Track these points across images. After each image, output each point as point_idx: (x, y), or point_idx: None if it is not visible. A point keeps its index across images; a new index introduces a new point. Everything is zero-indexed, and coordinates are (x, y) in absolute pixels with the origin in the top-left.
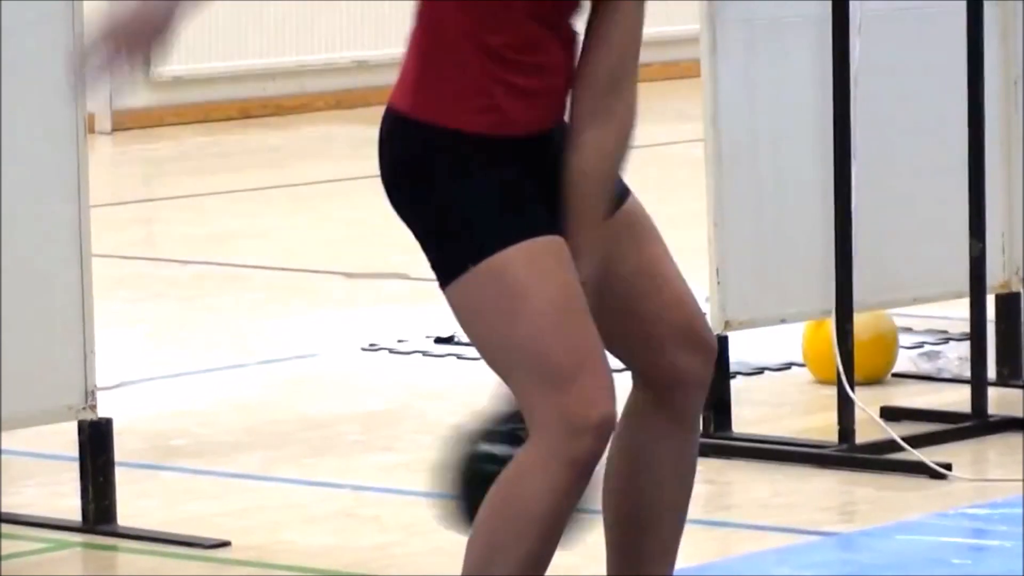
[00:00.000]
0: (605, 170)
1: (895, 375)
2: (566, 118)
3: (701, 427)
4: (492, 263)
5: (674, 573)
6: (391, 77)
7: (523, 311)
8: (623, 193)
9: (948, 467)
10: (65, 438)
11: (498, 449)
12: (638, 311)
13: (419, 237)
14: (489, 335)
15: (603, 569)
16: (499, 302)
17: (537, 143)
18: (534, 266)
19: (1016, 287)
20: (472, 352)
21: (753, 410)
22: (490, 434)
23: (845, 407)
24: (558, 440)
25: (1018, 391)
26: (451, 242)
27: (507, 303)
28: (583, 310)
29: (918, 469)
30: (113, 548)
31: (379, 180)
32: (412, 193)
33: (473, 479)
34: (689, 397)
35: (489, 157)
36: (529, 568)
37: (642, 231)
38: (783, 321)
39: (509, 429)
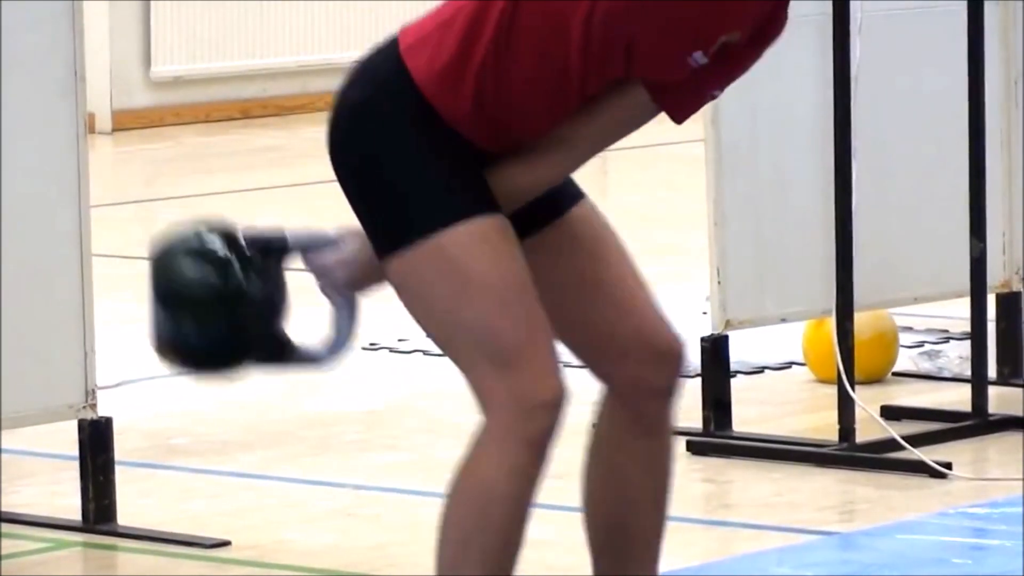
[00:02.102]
0: (503, 199)
1: (895, 374)
2: None
3: (673, 430)
4: (441, 239)
5: (673, 573)
6: None
7: (469, 291)
8: (570, 199)
9: (948, 466)
10: (65, 437)
11: (210, 269)
12: (591, 320)
13: (356, 202)
14: (434, 313)
15: None
16: (445, 281)
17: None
18: (482, 245)
19: (1016, 286)
20: None
21: (753, 409)
22: (215, 252)
23: (845, 406)
24: (511, 419)
25: (1018, 390)
26: (397, 212)
27: (453, 282)
28: (529, 290)
29: (918, 468)
30: (113, 548)
31: None
32: (362, 146)
33: (175, 280)
34: (653, 405)
35: (446, 134)
36: (500, 553)
37: (590, 238)
38: (783, 320)
39: (236, 262)
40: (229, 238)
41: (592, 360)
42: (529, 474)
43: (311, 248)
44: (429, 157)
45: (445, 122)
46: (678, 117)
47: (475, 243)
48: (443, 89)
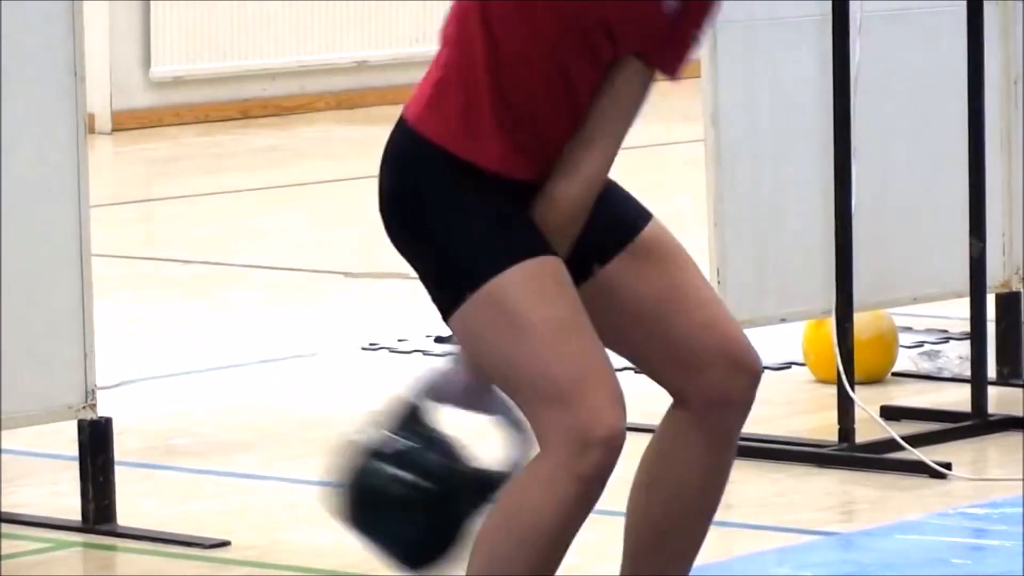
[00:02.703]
0: (559, 221)
1: (895, 374)
2: None
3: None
4: (489, 289)
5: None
6: (391, 77)
7: (524, 333)
8: (641, 219)
9: (948, 466)
10: (65, 437)
11: (387, 467)
12: (669, 334)
13: (418, 272)
14: (494, 360)
15: (603, 569)
16: (500, 327)
17: (531, 188)
18: (531, 287)
19: (1016, 286)
20: None
21: (753, 409)
22: (383, 450)
23: (845, 406)
24: (567, 456)
25: (1018, 390)
26: (447, 273)
27: (507, 326)
28: (585, 326)
29: (918, 468)
30: (113, 548)
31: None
32: (407, 225)
33: (361, 497)
34: (730, 418)
35: (481, 184)
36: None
37: (665, 256)
38: (783, 320)
39: (402, 447)
40: (390, 431)
41: (671, 376)
42: (577, 512)
43: (438, 389)
44: (471, 213)
45: (486, 172)
46: (671, 70)
47: (523, 286)
48: (469, 141)
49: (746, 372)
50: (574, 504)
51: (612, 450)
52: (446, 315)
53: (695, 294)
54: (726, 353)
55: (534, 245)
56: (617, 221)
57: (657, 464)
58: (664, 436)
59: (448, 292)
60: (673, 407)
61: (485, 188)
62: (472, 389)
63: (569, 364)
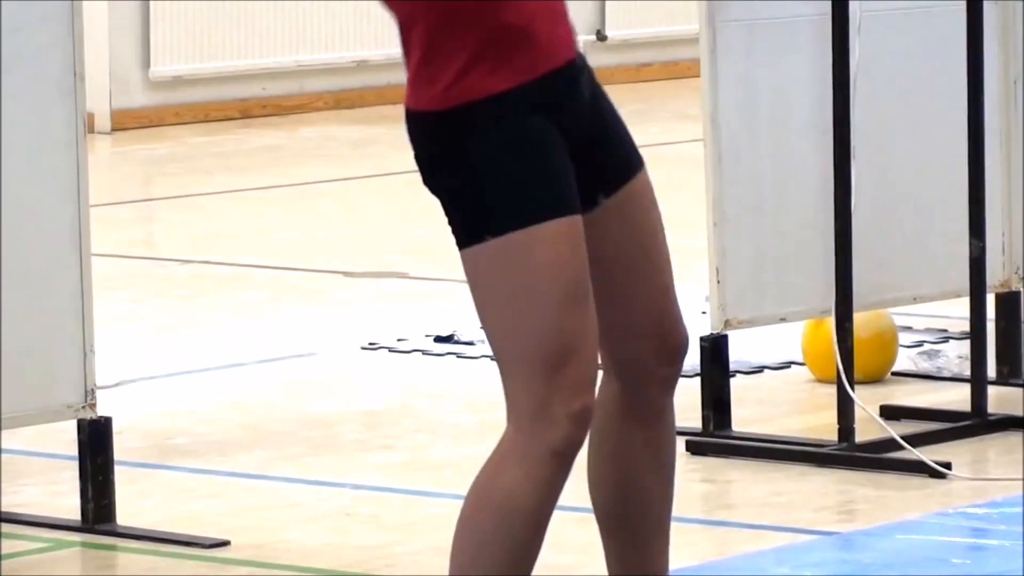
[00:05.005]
0: None
1: (895, 374)
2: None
3: (675, 420)
4: (510, 241)
5: (673, 573)
6: (391, 77)
7: (528, 297)
8: (636, 165)
9: (948, 466)
10: (64, 437)
11: None
12: (616, 295)
13: (444, 200)
14: (492, 311)
15: (603, 569)
16: (508, 282)
17: (560, 80)
18: (548, 251)
19: (1016, 286)
20: (472, 351)
21: (753, 409)
22: None
23: (845, 406)
24: (538, 429)
25: (1018, 390)
26: (474, 208)
27: (515, 285)
28: (587, 299)
29: (918, 468)
30: (112, 547)
31: (379, 179)
32: (440, 164)
33: None
34: (654, 391)
35: (512, 117)
36: (517, 562)
37: (644, 211)
38: (783, 320)
39: None
40: None
41: (607, 339)
42: (551, 485)
43: None
44: (499, 158)
45: (517, 95)
46: None
47: (542, 249)
48: (488, 76)
49: (672, 347)
50: (548, 480)
51: (582, 426)
52: (461, 245)
53: (655, 261)
54: (660, 326)
55: (562, 201)
56: (623, 156)
57: (599, 447)
58: (601, 415)
59: (470, 226)
60: (605, 380)
61: (514, 116)
62: None
63: (562, 339)
